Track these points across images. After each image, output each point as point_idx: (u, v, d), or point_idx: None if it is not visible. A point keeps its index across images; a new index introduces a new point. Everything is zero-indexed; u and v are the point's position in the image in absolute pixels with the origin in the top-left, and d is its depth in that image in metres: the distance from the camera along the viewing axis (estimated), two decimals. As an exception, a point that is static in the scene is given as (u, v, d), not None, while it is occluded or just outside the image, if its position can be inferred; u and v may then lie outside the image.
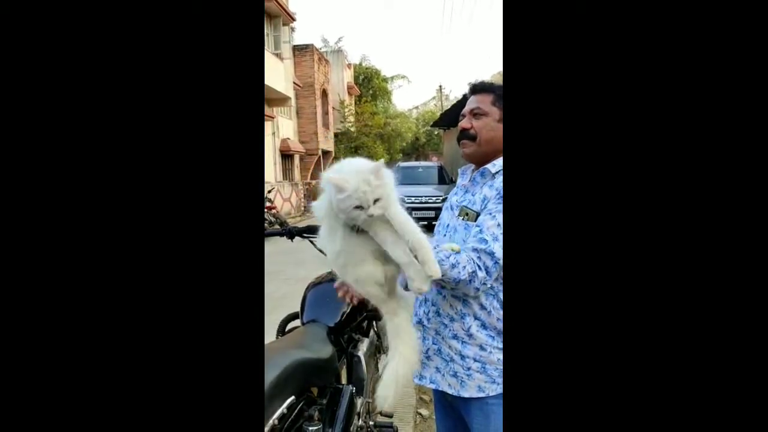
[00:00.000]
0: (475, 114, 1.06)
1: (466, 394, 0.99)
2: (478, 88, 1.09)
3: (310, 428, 1.04)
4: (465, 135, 1.07)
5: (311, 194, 14.37)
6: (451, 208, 1.09)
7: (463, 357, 1.00)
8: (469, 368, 0.99)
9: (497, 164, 1.04)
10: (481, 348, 0.99)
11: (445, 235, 1.07)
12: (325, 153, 18.60)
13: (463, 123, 1.07)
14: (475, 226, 0.96)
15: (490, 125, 1.05)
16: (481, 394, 0.98)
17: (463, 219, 1.02)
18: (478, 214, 0.98)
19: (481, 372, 0.98)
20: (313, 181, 15.79)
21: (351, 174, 0.79)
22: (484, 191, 1.01)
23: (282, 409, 0.93)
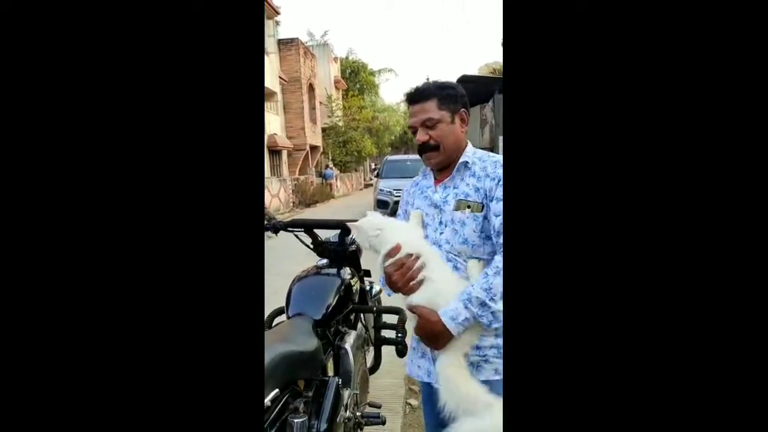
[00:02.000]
0: (428, 125, 1.04)
1: (482, 378, 1.01)
2: (416, 98, 1.06)
3: (296, 420, 1.04)
4: (427, 147, 1.05)
5: (299, 190, 14.29)
6: (435, 206, 1.08)
7: (479, 348, 1.02)
8: (485, 355, 1.02)
9: (468, 155, 1.08)
10: (497, 336, 1.01)
11: (441, 234, 1.06)
12: (313, 148, 18.50)
13: (420, 137, 1.05)
14: (495, 216, 0.98)
15: (446, 131, 1.04)
16: (498, 377, 1.01)
17: (470, 211, 1.02)
18: (482, 204, 1.01)
19: (498, 357, 1.01)
20: (302, 177, 15.71)
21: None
22: (471, 182, 1.04)
23: (266, 402, 0.93)
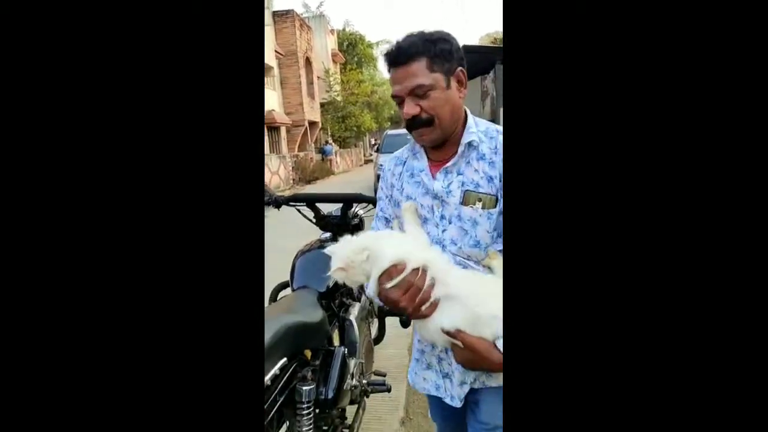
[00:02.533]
0: (417, 94, 0.80)
1: (494, 384, 0.87)
2: (400, 58, 0.79)
3: (304, 388, 1.07)
4: (418, 122, 0.81)
5: (299, 167, 14.21)
6: (435, 197, 0.86)
7: None
8: None
9: (472, 131, 0.85)
10: None
11: (444, 231, 0.85)
12: (312, 124, 18.28)
13: (409, 109, 0.80)
14: None
15: (441, 99, 0.80)
16: None
17: (482, 207, 0.81)
18: (496, 198, 0.82)
19: None
20: (301, 154, 15.59)
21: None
22: (480, 167, 0.83)
23: (274, 370, 0.95)
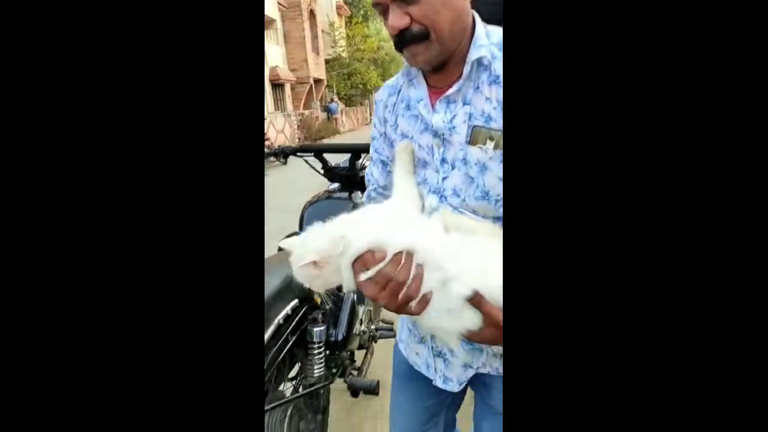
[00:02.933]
0: None
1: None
2: None
3: (315, 329, 1.12)
4: (409, 37, 0.60)
5: (305, 125, 14.02)
6: (435, 134, 0.66)
7: None
8: None
9: (482, 43, 0.63)
10: None
11: (445, 178, 0.66)
12: (317, 81, 17.84)
13: (395, 21, 0.59)
14: None
15: (439, 2, 0.58)
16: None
17: (493, 147, 0.62)
18: None
19: None
20: (306, 112, 15.34)
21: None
22: (492, 93, 0.62)
23: (286, 310, 0.98)
